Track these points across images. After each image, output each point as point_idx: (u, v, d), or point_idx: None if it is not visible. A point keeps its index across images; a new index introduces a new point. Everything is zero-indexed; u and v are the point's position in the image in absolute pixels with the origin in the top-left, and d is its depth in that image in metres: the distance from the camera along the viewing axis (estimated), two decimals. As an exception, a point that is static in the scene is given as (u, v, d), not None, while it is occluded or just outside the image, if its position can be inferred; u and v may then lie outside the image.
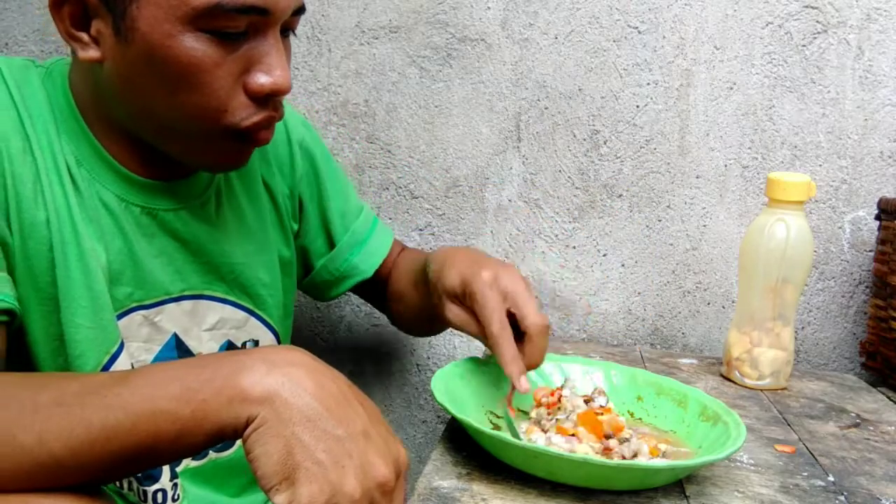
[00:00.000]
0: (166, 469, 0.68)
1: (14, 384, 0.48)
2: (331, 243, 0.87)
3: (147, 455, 0.46)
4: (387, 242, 0.90)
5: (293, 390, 0.44)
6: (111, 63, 0.59)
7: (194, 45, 0.56)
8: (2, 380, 0.48)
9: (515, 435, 0.64)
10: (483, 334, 0.67)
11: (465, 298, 0.68)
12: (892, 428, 0.79)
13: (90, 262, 0.62)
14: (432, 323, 0.87)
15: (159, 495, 0.68)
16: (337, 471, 0.42)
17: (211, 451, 0.74)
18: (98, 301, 0.63)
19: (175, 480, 0.69)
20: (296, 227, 0.85)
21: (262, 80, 0.59)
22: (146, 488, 0.67)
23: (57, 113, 0.63)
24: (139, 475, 0.66)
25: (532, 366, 0.66)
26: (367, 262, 0.88)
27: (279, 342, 0.80)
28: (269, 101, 0.61)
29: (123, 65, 0.58)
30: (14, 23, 1.13)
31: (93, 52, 0.58)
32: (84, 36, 0.58)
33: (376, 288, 0.92)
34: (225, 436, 0.45)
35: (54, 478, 0.46)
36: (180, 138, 0.62)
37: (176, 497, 0.69)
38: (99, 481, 0.48)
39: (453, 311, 0.70)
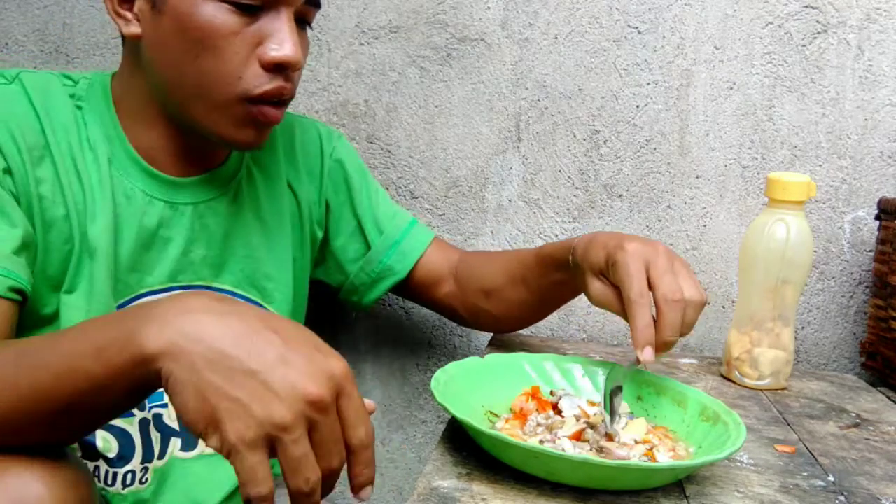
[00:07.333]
0: (138, 451, 0.72)
1: None
2: (367, 247, 0.91)
3: (75, 412, 0.47)
4: (422, 243, 0.92)
5: (190, 337, 0.44)
6: (148, 37, 0.67)
7: (215, 14, 0.65)
8: None
9: (608, 409, 0.64)
10: (625, 312, 0.66)
11: (608, 272, 0.67)
12: (892, 428, 0.79)
13: (99, 256, 0.68)
14: (544, 308, 0.88)
15: (128, 476, 0.71)
16: (257, 403, 0.42)
17: (201, 446, 0.76)
18: (97, 289, 0.68)
19: (146, 465, 0.72)
20: (321, 234, 0.89)
21: (272, 52, 0.66)
22: (117, 469, 0.71)
23: (95, 118, 0.71)
24: (111, 457, 0.70)
25: (660, 343, 0.64)
26: (400, 263, 0.91)
27: None
28: (281, 72, 0.68)
29: (157, 36, 0.67)
30: (14, 23, 1.13)
31: (134, 28, 0.67)
32: (128, 14, 0.68)
33: (421, 288, 0.93)
34: (147, 391, 0.46)
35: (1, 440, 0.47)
36: (203, 106, 0.68)
37: (144, 480, 0.72)
38: (48, 441, 0.49)
39: (596, 287, 0.69)
